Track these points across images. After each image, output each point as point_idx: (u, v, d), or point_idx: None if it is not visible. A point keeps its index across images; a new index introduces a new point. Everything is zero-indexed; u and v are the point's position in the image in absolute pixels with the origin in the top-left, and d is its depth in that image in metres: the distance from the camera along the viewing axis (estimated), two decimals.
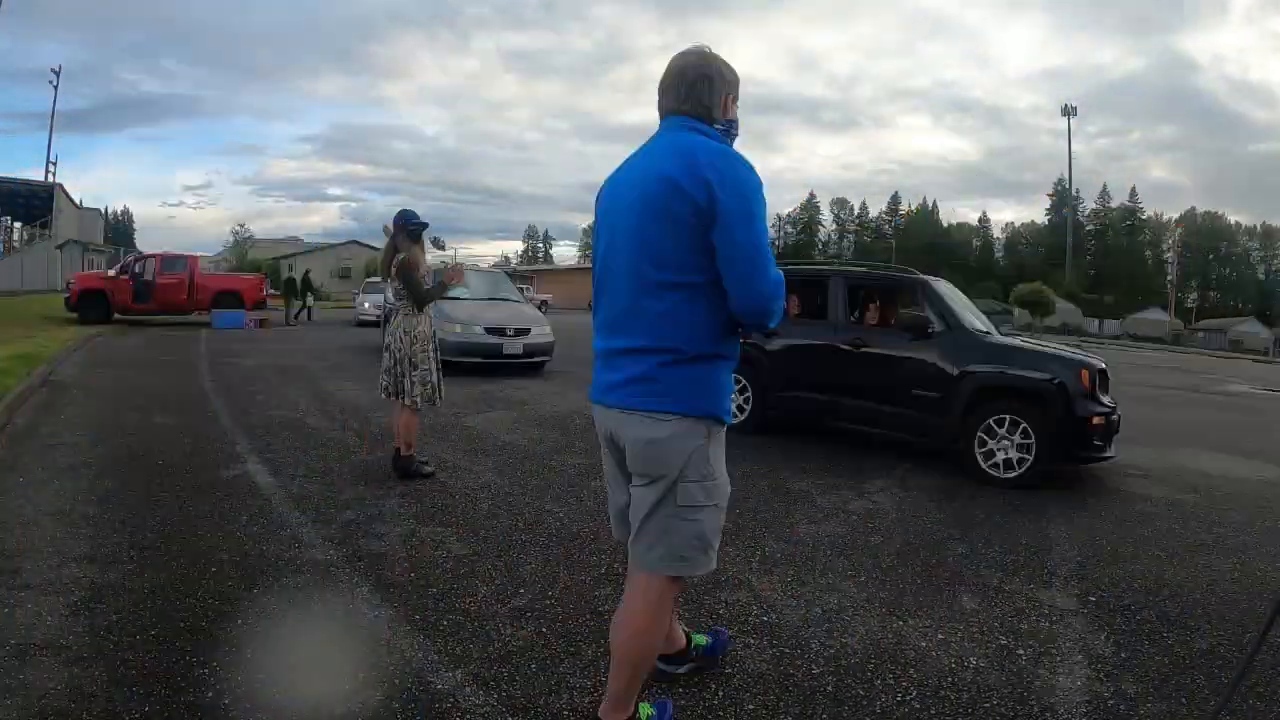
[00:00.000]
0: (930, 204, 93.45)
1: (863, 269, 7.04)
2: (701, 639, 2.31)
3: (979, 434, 5.07)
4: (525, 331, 9.70)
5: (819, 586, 3.06)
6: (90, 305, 15.32)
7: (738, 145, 1.81)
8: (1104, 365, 5.39)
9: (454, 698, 2.09)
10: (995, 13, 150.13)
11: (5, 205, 32.36)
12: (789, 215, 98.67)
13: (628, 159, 1.83)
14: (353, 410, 6.54)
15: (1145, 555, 3.69)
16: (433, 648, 2.37)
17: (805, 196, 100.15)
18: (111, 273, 16.78)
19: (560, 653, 2.39)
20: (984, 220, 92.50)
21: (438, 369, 4.45)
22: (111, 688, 2.03)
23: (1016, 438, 4.95)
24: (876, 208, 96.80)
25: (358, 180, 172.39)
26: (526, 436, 5.74)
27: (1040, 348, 5.57)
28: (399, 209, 4.51)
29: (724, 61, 1.80)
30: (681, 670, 2.25)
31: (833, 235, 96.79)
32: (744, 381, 6.18)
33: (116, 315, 15.62)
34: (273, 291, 20.66)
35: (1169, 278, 73.42)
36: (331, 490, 4.05)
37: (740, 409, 6.20)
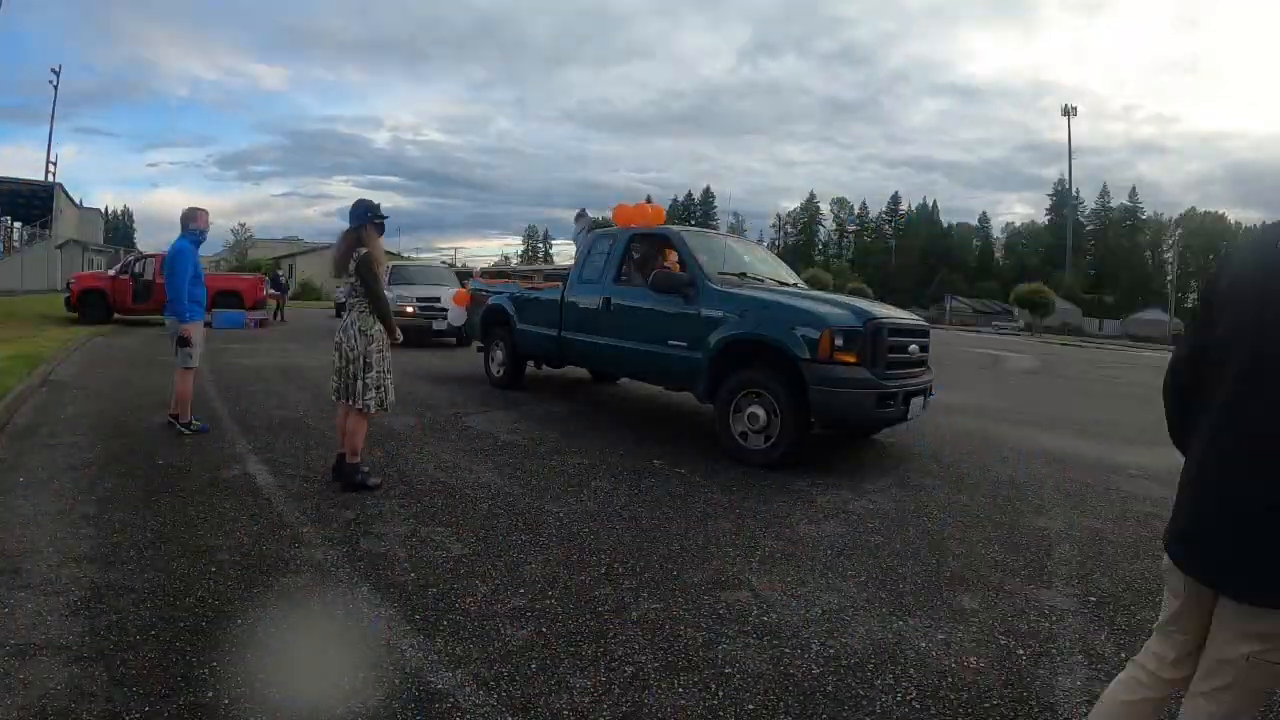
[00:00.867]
0: (930, 204, 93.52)
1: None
2: None
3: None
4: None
5: (819, 586, 3.06)
6: (90, 305, 15.31)
7: None
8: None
9: (454, 698, 2.09)
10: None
11: (5, 205, 32.36)
12: (789, 215, 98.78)
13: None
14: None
15: (1145, 555, 3.69)
16: (433, 648, 2.37)
17: (805, 197, 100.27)
18: (111, 273, 16.78)
19: (560, 653, 2.39)
20: (984, 220, 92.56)
21: (390, 372, 4.20)
22: (111, 688, 2.04)
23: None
24: (876, 208, 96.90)
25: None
26: (526, 436, 5.74)
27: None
28: (356, 200, 4.21)
29: None
30: None
31: (833, 235, 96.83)
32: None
33: (116, 315, 15.62)
34: (272, 292, 20.73)
35: (1169, 278, 73.45)
36: (331, 490, 4.05)
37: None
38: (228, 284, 17.61)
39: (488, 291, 8.33)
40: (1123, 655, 2.58)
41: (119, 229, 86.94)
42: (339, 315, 5.25)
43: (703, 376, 5.18)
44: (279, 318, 20.38)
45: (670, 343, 5.53)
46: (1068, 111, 67.78)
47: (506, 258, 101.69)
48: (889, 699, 2.22)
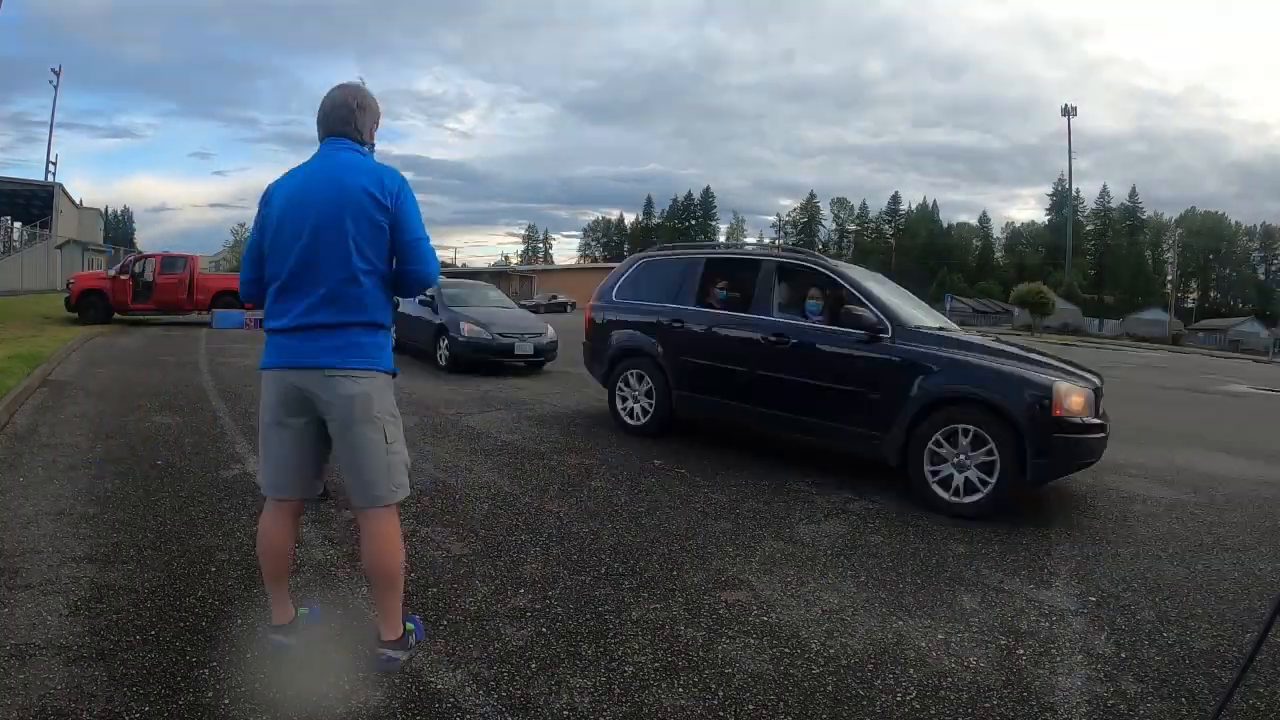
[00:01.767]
0: (930, 204, 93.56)
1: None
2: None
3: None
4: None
5: (819, 586, 3.06)
6: (90, 305, 15.31)
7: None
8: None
9: (454, 698, 2.09)
10: None
11: (5, 205, 32.36)
12: (789, 215, 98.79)
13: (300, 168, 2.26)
14: None
15: (1145, 555, 3.69)
16: (433, 648, 2.37)
17: (805, 196, 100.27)
18: (111, 273, 16.77)
19: (560, 653, 2.39)
20: (984, 220, 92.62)
21: None
22: (111, 688, 2.03)
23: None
24: (876, 207, 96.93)
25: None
26: (526, 436, 5.74)
27: None
28: None
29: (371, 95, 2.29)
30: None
31: (832, 235, 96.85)
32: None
33: (116, 315, 15.61)
34: None
35: (1169, 278, 73.49)
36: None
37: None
38: (228, 284, 17.61)
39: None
40: (1123, 655, 2.59)
41: (119, 229, 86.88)
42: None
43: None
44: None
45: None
46: (1067, 111, 67.81)
47: (506, 257, 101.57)
48: (889, 699, 2.22)
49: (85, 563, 2.88)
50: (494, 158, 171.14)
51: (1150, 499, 4.79)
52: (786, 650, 2.49)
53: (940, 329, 4.97)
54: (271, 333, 2.19)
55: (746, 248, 8.71)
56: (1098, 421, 4.33)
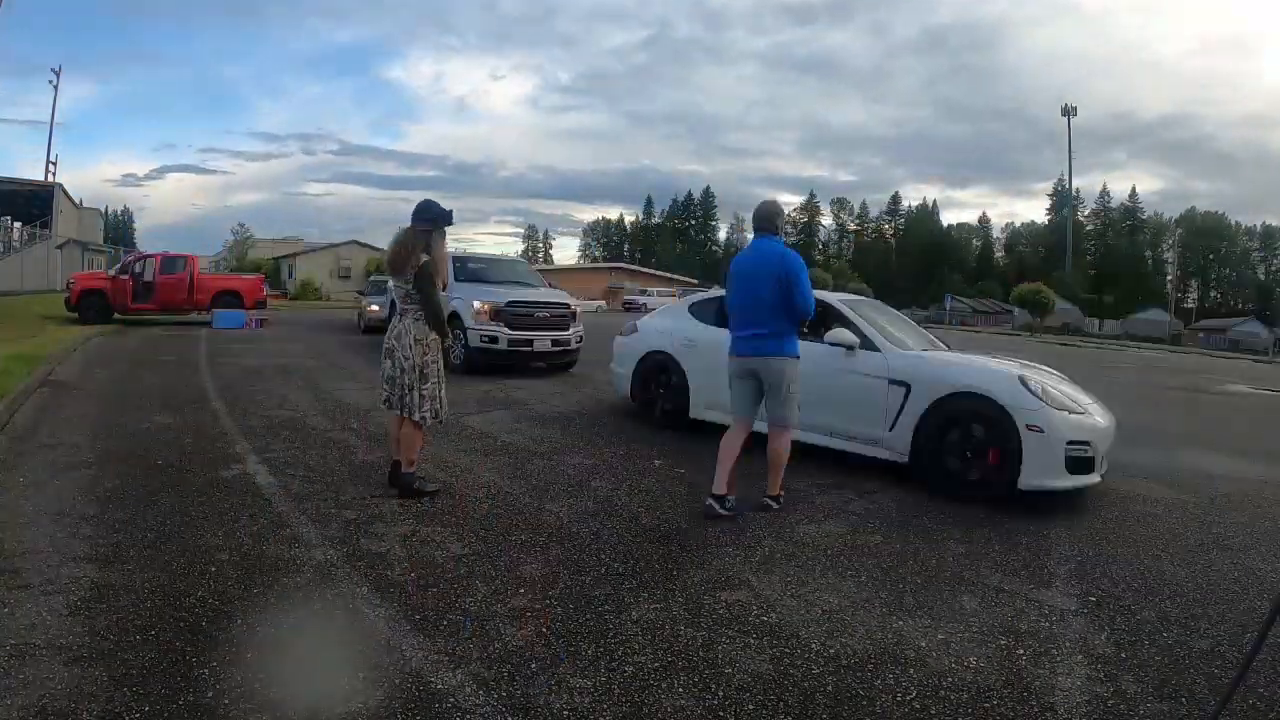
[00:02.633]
0: (930, 204, 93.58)
1: None
2: None
3: None
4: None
5: (819, 586, 3.06)
6: (90, 305, 15.31)
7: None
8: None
9: (454, 698, 2.09)
10: None
11: (5, 205, 32.35)
12: (789, 215, 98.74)
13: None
14: (353, 410, 6.53)
15: (1145, 555, 3.69)
16: (433, 648, 2.37)
17: (805, 196, 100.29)
18: (112, 273, 16.77)
19: (560, 653, 2.39)
20: (984, 220, 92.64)
21: (444, 381, 4.05)
22: (111, 688, 2.04)
23: None
24: (876, 207, 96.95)
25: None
26: (527, 436, 5.74)
27: None
28: (421, 199, 3.96)
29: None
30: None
31: (832, 235, 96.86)
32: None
33: (116, 315, 15.62)
34: (273, 291, 20.64)
35: (1169, 278, 73.48)
36: (331, 490, 4.05)
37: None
38: (228, 284, 17.62)
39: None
40: (1123, 655, 2.59)
41: (119, 228, 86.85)
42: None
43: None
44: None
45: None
46: (1067, 111, 67.80)
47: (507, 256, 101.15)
48: (889, 699, 2.22)
49: (85, 563, 2.88)
50: (477, 147, 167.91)
51: (1150, 499, 4.79)
52: (786, 650, 2.49)
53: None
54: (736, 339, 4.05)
55: None
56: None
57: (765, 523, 3.86)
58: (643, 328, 6.77)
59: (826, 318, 5.22)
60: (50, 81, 38.80)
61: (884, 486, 4.69)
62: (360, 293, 19.90)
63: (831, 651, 2.50)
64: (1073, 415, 4.39)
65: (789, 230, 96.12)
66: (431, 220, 3.90)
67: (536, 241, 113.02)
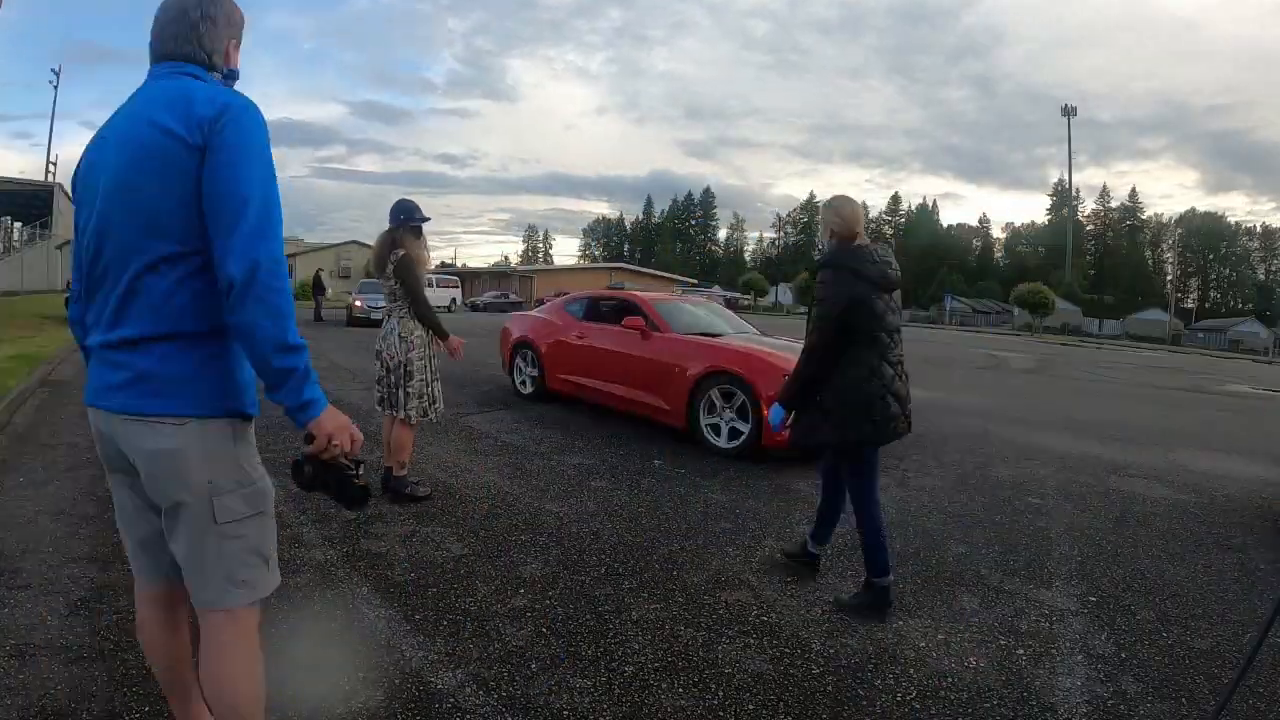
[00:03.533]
0: (930, 204, 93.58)
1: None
2: None
3: None
4: None
5: (819, 586, 3.06)
6: None
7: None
8: None
9: (454, 698, 2.09)
10: None
11: (5, 205, 32.35)
12: (789, 215, 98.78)
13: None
14: (353, 410, 6.53)
15: (1145, 555, 3.69)
16: (433, 648, 2.37)
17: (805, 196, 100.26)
18: None
19: (560, 653, 2.39)
20: (984, 220, 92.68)
21: (435, 378, 4.03)
22: (111, 688, 2.04)
23: None
24: (877, 208, 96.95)
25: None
26: (527, 437, 5.74)
27: None
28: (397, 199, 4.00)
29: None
30: None
31: None
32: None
33: None
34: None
35: (1169, 278, 73.50)
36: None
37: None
38: None
39: None
40: (1123, 655, 2.59)
41: None
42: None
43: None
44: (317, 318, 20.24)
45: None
46: (1067, 111, 67.81)
47: (506, 257, 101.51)
48: (889, 699, 2.22)
49: (85, 563, 2.88)
50: (460, 141, 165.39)
51: (1150, 499, 4.79)
52: (786, 650, 2.49)
53: None
54: None
55: None
56: None
57: (765, 523, 3.86)
58: None
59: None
60: (50, 82, 38.83)
61: (884, 486, 4.69)
62: (348, 292, 21.29)
63: (831, 651, 2.50)
64: None
65: (789, 230, 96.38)
66: (396, 219, 3.96)
67: (536, 241, 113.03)
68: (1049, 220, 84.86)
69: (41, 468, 4.21)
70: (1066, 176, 75.67)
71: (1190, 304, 77.06)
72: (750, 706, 2.14)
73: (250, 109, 1.38)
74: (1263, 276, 79.77)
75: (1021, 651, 2.57)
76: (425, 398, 3.97)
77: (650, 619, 2.67)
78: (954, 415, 7.85)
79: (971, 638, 2.66)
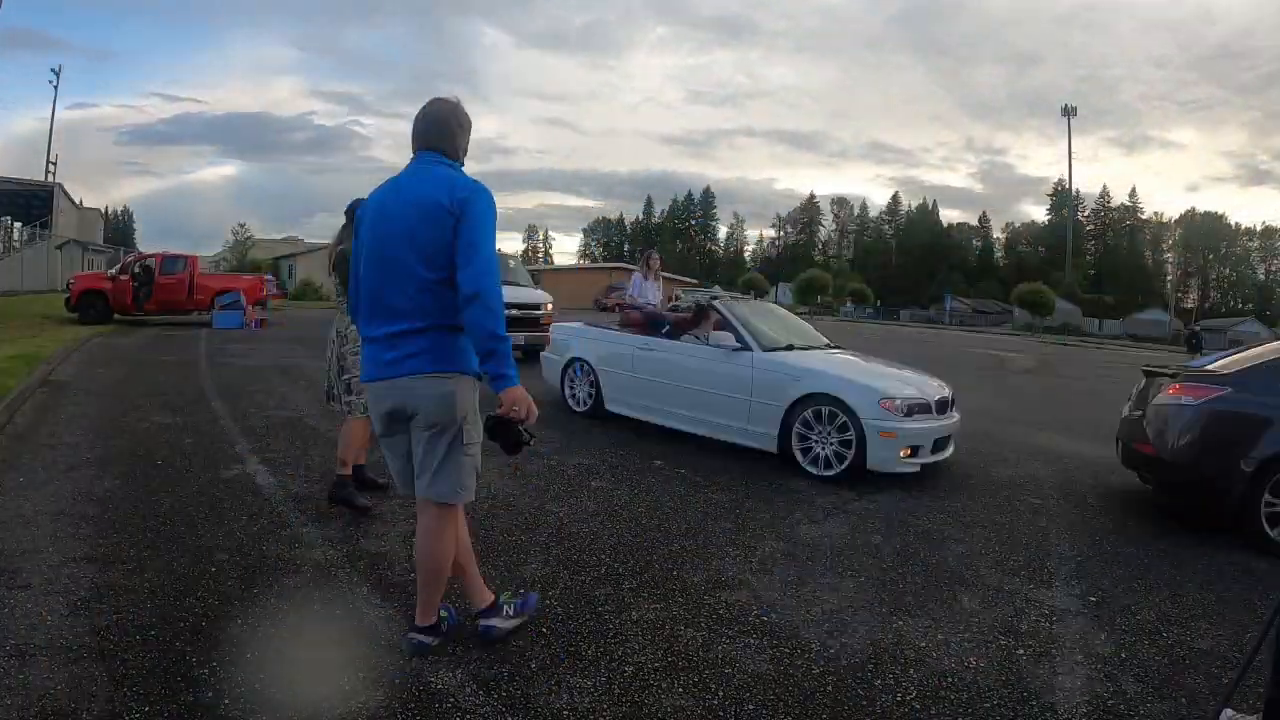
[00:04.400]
0: (930, 204, 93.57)
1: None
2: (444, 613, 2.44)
3: None
4: None
5: (819, 586, 3.06)
6: (90, 305, 15.29)
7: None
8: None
9: (454, 698, 2.09)
10: None
11: (5, 205, 32.35)
12: (789, 215, 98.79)
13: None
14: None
15: (1145, 555, 3.69)
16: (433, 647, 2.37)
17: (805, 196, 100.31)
18: (112, 273, 16.75)
19: (560, 653, 2.39)
20: (984, 220, 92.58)
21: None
22: (111, 688, 2.03)
23: None
24: (877, 207, 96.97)
25: None
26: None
27: None
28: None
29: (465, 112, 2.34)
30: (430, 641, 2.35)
31: (833, 235, 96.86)
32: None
33: (116, 315, 15.61)
34: (278, 292, 20.55)
35: (1169, 278, 73.48)
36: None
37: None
38: (228, 284, 17.61)
39: None
40: (1123, 655, 2.59)
41: (120, 229, 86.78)
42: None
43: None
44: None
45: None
46: (1067, 111, 67.77)
47: (502, 253, 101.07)
48: (889, 699, 2.22)
49: (85, 563, 2.88)
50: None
51: (1150, 498, 4.79)
52: (786, 650, 2.49)
53: None
54: None
55: None
56: None
57: (765, 523, 3.86)
58: None
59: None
60: (50, 82, 38.81)
61: (884, 486, 4.69)
62: None
63: (831, 651, 2.50)
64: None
65: (788, 230, 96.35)
66: (349, 213, 3.83)
67: (537, 241, 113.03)
68: (1049, 220, 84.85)
69: (41, 468, 4.21)
70: (1067, 176, 75.62)
71: (1190, 304, 77.00)
72: (750, 706, 2.14)
73: (484, 194, 2.16)
74: (1263, 276, 79.75)
75: (1021, 651, 2.57)
76: (362, 392, 3.68)
77: (650, 619, 2.67)
78: None
79: (971, 638, 2.66)
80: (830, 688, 2.27)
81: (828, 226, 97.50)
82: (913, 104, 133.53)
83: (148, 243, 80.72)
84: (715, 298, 6.15)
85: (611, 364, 6.42)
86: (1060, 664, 2.50)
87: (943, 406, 5.11)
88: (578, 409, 6.72)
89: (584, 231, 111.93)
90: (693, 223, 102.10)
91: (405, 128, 2.33)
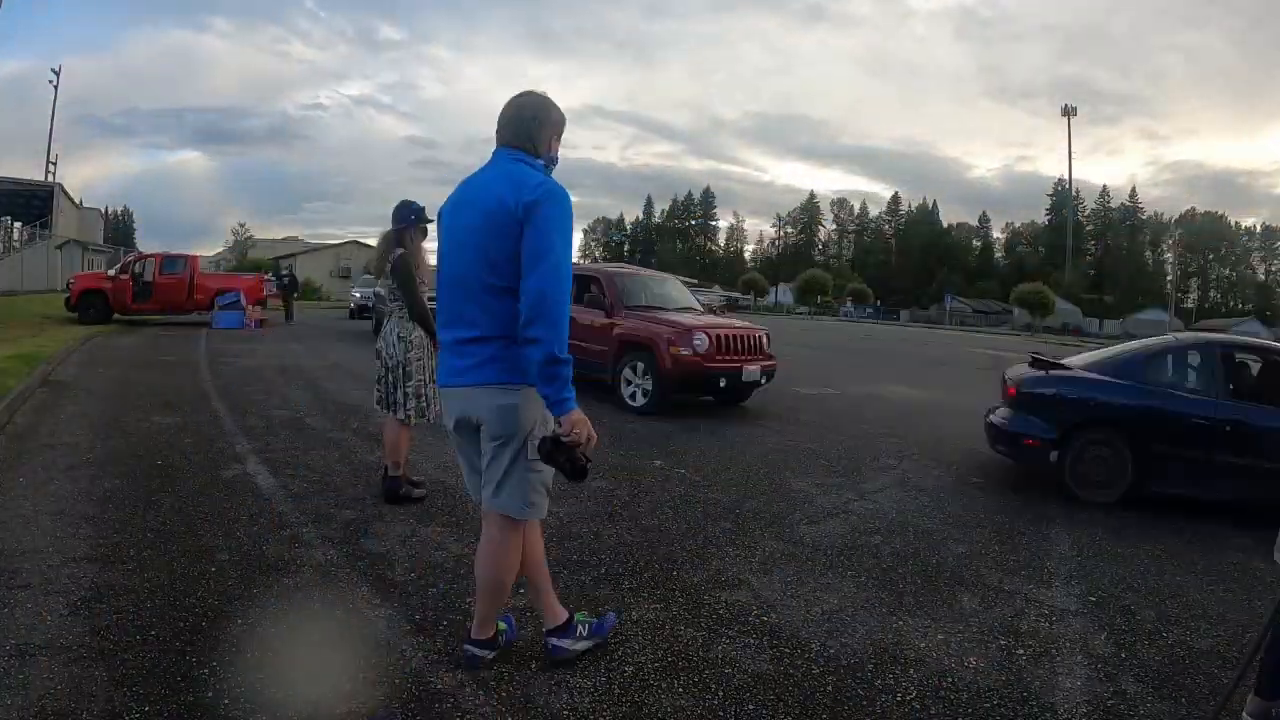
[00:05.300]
0: (930, 204, 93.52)
1: None
2: (501, 625, 2.35)
3: None
4: None
5: (819, 586, 3.06)
6: (90, 305, 15.29)
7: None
8: None
9: (454, 698, 2.09)
10: None
11: (5, 205, 32.34)
12: (789, 215, 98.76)
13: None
14: (353, 410, 6.53)
15: (1145, 555, 3.69)
16: (433, 648, 2.37)
17: (805, 196, 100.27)
18: (112, 273, 16.76)
19: None
20: (984, 220, 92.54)
21: (432, 379, 3.93)
22: (111, 688, 2.03)
23: None
24: (877, 208, 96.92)
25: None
26: None
27: None
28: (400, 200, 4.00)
29: (553, 103, 2.18)
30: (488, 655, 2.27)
31: (833, 235, 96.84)
32: None
33: (116, 315, 15.61)
34: (271, 292, 20.60)
35: (1169, 278, 73.47)
36: (331, 490, 4.04)
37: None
38: (227, 284, 17.61)
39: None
40: (1123, 655, 2.59)
41: (120, 229, 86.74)
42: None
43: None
44: (288, 317, 19.95)
45: None
46: (1067, 111, 67.80)
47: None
48: (889, 699, 2.22)
49: (85, 563, 2.88)
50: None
51: (1150, 499, 4.79)
52: (786, 650, 2.49)
53: None
54: None
55: None
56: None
57: (765, 523, 3.86)
58: None
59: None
60: (50, 82, 38.79)
61: (884, 486, 4.69)
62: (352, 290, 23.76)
63: (831, 651, 2.50)
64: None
65: (789, 230, 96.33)
66: (405, 219, 3.96)
67: None
68: (1049, 220, 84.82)
69: (41, 468, 4.21)
70: (1067, 176, 75.63)
71: (1190, 304, 76.99)
72: (750, 706, 2.14)
73: (556, 195, 1.99)
74: (1263, 276, 79.74)
75: (1021, 651, 2.57)
76: (422, 398, 3.96)
77: (650, 619, 2.67)
78: (954, 415, 7.85)
79: (971, 638, 2.66)
80: (830, 688, 2.27)
81: (828, 226, 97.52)
82: (914, 104, 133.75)
83: (144, 241, 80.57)
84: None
85: None
86: (1060, 664, 2.50)
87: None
88: None
89: (584, 231, 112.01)
90: (692, 223, 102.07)
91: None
